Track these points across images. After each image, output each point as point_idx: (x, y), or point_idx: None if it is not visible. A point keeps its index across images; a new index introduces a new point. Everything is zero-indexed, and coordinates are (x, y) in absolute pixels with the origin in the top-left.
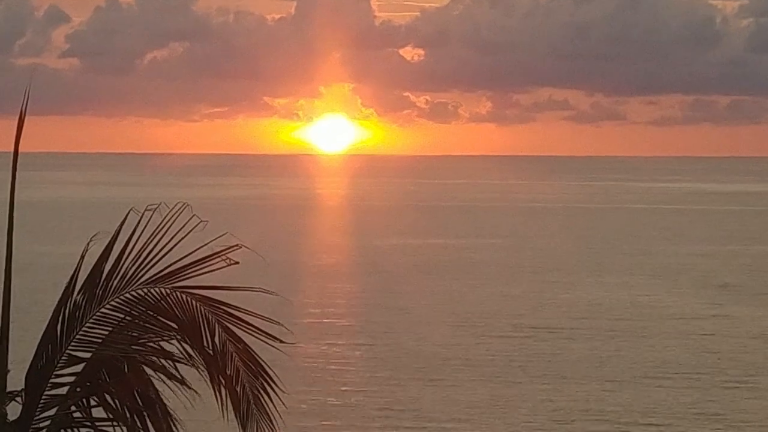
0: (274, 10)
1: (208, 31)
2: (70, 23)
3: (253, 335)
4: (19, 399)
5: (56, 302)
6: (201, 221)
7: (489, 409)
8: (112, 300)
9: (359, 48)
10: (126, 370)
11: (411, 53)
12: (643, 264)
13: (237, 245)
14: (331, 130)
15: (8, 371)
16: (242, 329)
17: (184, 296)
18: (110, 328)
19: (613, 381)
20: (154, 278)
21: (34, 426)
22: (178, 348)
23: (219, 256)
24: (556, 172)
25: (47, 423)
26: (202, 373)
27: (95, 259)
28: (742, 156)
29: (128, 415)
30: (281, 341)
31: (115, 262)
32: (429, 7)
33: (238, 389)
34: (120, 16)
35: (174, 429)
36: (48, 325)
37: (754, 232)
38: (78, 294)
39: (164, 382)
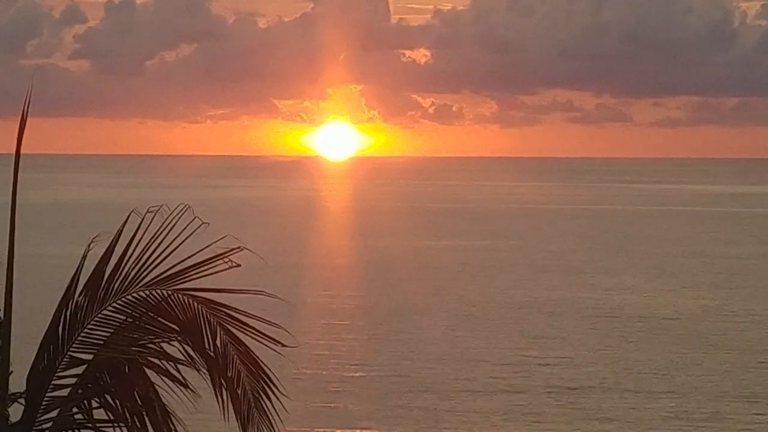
0: (291, 12)
1: (221, 32)
2: (86, 24)
3: (254, 338)
4: (20, 401)
5: (57, 304)
6: (203, 223)
7: (494, 413)
8: (114, 302)
9: (370, 49)
10: (127, 371)
11: (421, 54)
12: (646, 265)
13: (239, 247)
14: (334, 132)
15: (11, 372)
16: (243, 332)
17: (185, 298)
18: (112, 330)
19: (617, 382)
20: (155, 280)
21: (36, 428)
22: (179, 350)
23: (221, 259)
24: (560, 174)
25: (49, 425)
26: (203, 375)
27: (96, 261)
28: (750, 158)
29: (129, 416)
30: (282, 344)
31: (116, 263)
32: (444, 8)
33: (239, 392)
34: (132, 16)
35: (175, 430)
36: (49, 327)
37: (760, 234)
38: (79, 295)
39: (166, 384)
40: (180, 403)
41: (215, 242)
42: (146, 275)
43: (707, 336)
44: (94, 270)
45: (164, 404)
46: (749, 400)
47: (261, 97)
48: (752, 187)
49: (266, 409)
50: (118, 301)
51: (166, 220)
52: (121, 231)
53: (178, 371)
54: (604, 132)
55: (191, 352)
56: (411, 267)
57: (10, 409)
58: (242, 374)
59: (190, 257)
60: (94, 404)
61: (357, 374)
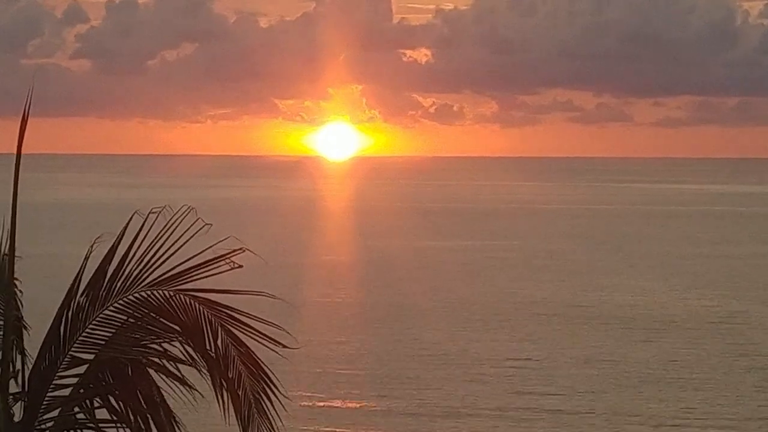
0: (292, 11)
1: (222, 32)
2: (88, 23)
3: (255, 339)
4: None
5: (59, 304)
6: (205, 224)
7: (494, 413)
8: (116, 302)
9: (371, 49)
10: (129, 372)
11: (422, 54)
12: (646, 265)
13: (241, 248)
14: (334, 132)
15: (18, 370)
16: (245, 333)
17: (187, 299)
18: (113, 330)
19: (618, 381)
20: (157, 281)
21: (37, 427)
22: (180, 350)
23: (223, 260)
24: (561, 174)
25: (50, 424)
26: (204, 375)
27: (99, 261)
28: (751, 157)
29: (131, 416)
30: (283, 345)
31: (118, 264)
32: (446, 8)
33: (240, 392)
34: (134, 16)
35: (177, 430)
36: (51, 327)
37: (760, 234)
38: (81, 296)
39: (167, 384)
40: (181, 403)
41: (217, 243)
42: (148, 276)
43: (708, 337)
44: (96, 270)
45: (167, 405)
46: (748, 403)
47: (262, 96)
48: (753, 187)
49: (266, 410)
50: (120, 302)
51: (169, 221)
52: (124, 232)
53: (179, 372)
54: (605, 132)
55: (192, 353)
56: (411, 267)
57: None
58: (243, 375)
59: (192, 258)
60: (96, 404)
61: (357, 375)
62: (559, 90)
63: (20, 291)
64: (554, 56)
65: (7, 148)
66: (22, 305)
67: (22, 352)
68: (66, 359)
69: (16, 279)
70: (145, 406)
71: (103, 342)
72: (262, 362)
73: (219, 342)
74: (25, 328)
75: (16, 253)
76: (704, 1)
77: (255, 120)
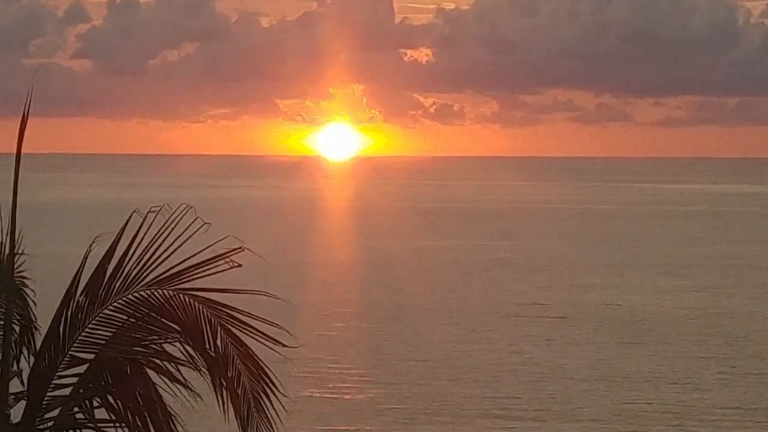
0: (294, 11)
1: (223, 31)
2: (89, 23)
3: (255, 338)
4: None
5: (59, 303)
6: (204, 223)
7: (494, 415)
8: (115, 301)
9: (372, 49)
10: (128, 371)
11: (423, 54)
12: (647, 265)
13: (240, 248)
14: (335, 132)
15: (20, 371)
16: (244, 332)
17: (186, 298)
18: (113, 330)
19: (618, 381)
20: (157, 280)
21: (37, 427)
22: (180, 350)
23: (222, 259)
24: (561, 174)
25: (50, 424)
26: (203, 375)
27: (98, 261)
28: (752, 157)
29: (130, 416)
30: (283, 344)
31: (118, 263)
32: (447, 7)
33: (240, 392)
34: (135, 16)
35: (175, 430)
36: (50, 327)
37: (761, 234)
38: (81, 295)
39: (166, 384)
40: (180, 403)
41: (216, 242)
42: (147, 275)
43: (708, 337)
44: (95, 269)
45: (166, 405)
46: (749, 403)
47: (262, 96)
48: (753, 187)
49: (266, 409)
50: (120, 301)
51: (167, 220)
52: (123, 231)
53: (179, 371)
54: (605, 132)
55: (192, 352)
56: (411, 267)
57: (11, 409)
58: (242, 374)
59: (191, 257)
60: (95, 404)
61: (356, 375)
62: (560, 90)
63: (32, 290)
64: (555, 56)
65: (7, 148)
66: (35, 305)
67: (35, 353)
68: (66, 359)
69: (28, 278)
70: (145, 407)
71: (102, 341)
72: (262, 361)
73: (218, 341)
74: (36, 329)
75: (24, 252)
76: (705, 0)
77: (255, 120)
